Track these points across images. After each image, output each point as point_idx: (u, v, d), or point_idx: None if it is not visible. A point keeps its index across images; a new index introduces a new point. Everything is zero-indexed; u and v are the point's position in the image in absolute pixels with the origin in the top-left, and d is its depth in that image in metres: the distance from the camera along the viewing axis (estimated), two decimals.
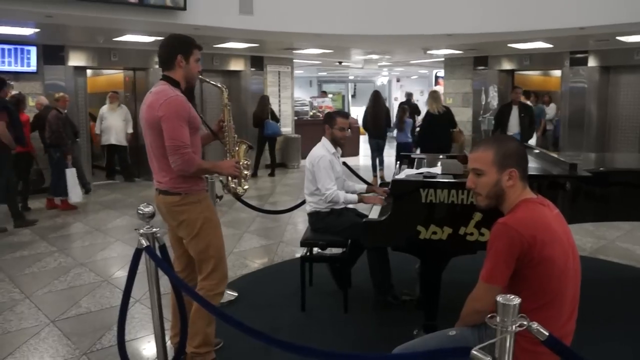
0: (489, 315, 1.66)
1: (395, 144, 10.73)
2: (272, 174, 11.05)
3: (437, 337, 2.27)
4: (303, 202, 4.51)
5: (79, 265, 5.36)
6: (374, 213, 3.74)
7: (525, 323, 1.63)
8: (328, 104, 16.03)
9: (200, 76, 3.24)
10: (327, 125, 4.24)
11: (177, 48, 3.06)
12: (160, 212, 3.09)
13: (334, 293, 4.31)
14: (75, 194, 7.85)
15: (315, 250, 4.20)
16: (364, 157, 14.21)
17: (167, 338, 3.12)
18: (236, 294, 4.42)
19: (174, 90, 2.97)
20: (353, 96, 24.16)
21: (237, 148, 3.36)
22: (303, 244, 4.11)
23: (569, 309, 2.10)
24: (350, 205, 4.19)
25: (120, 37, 8.52)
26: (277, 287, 4.69)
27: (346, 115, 4.40)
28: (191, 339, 3.10)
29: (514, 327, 1.62)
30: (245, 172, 3.38)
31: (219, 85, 3.45)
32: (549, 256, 2.00)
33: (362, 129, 11.45)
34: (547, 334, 1.68)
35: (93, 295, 4.56)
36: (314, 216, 4.16)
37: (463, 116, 11.82)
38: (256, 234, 6.53)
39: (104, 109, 10.31)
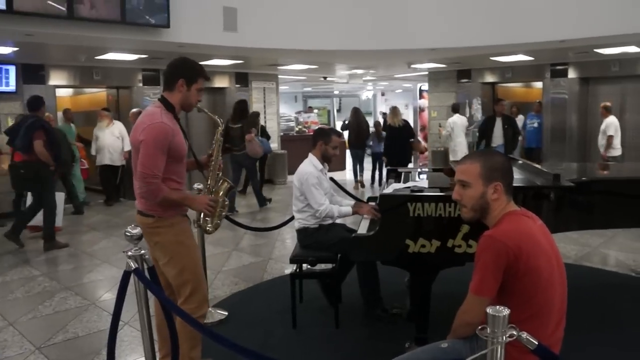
0: (479, 327, 1.68)
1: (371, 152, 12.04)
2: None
3: (429, 350, 2.28)
4: (291, 219, 4.50)
5: (64, 289, 5.26)
6: (362, 228, 3.74)
7: (515, 333, 1.66)
8: (314, 119, 16.09)
9: (198, 106, 3.19)
10: (322, 141, 4.24)
11: (181, 71, 3.03)
12: None
13: (325, 309, 4.29)
14: (59, 218, 7.77)
15: (305, 266, 4.18)
16: (350, 172, 14.20)
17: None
18: (226, 313, 4.39)
19: (163, 115, 2.92)
20: (338, 111, 24.29)
21: (219, 185, 3.28)
22: (292, 260, 4.10)
23: (556, 318, 2.14)
24: (339, 220, 4.19)
25: (103, 55, 8.49)
26: (267, 304, 4.66)
27: (340, 134, 4.44)
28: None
29: (504, 337, 1.65)
30: (221, 211, 3.26)
31: (216, 118, 3.40)
32: (534, 267, 2.04)
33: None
34: (536, 343, 1.72)
35: (80, 319, 4.47)
36: (302, 232, 4.15)
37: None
38: (245, 251, 6.50)
39: (96, 127, 9.84)
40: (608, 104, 9.22)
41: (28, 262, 6.30)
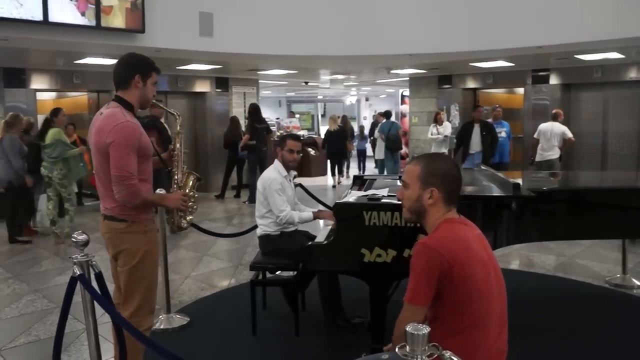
0: (398, 345, 1.65)
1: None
2: (237, 195, 11.00)
3: None
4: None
5: (32, 291, 5.25)
6: (321, 236, 3.74)
7: (435, 353, 1.62)
8: (296, 124, 16.08)
9: (154, 100, 3.13)
10: (279, 147, 4.25)
11: (136, 67, 2.93)
12: (103, 238, 3.01)
13: (287, 316, 4.26)
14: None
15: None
16: (331, 178, 14.23)
17: None
18: (188, 319, 4.37)
19: (125, 115, 2.83)
20: (323, 115, 24.21)
21: (184, 179, 3.24)
22: (252, 267, 4.09)
23: (496, 328, 2.12)
24: (301, 227, 4.18)
25: (81, 59, 8.48)
26: (230, 311, 4.64)
27: (297, 137, 4.40)
28: None
29: (424, 356, 1.60)
30: (192, 205, 3.25)
31: (172, 111, 3.37)
32: (469, 275, 2.02)
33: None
34: None
35: (44, 322, 4.46)
36: (264, 239, 4.14)
37: (428, 135, 11.92)
38: (215, 257, 6.48)
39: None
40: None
41: (1, 264, 6.28)
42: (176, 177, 3.22)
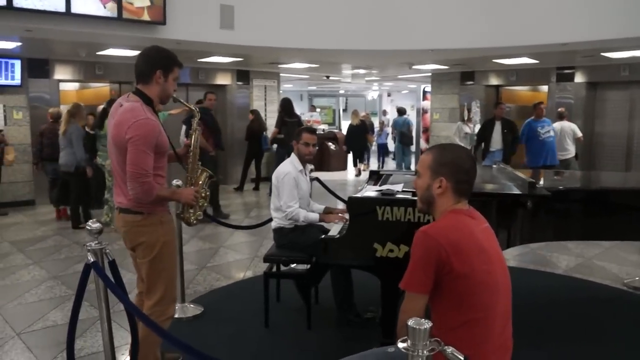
0: (399, 339, 1.64)
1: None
2: (256, 188, 11.05)
3: (374, 354, 2.27)
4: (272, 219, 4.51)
5: (52, 278, 5.35)
6: (334, 230, 3.74)
7: (437, 348, 1.61)
8: (316, 118, 16.06)
9: (174, 96, 3.13)
10: (294, 140, 4.25)
11: (157, 62, 2.92)
12: (119, 232, 3.04)
13: (300, 309, 4.28)
14: None
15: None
16: (352, 172, 14.30)
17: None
18: (202, 309, 4.42)
19: (145, 111, 2.82)
20: (344, 110, 24.16)
21: (198, 175, 3.23)
22: (266, 259, 4.11)
23: (501, 324, 2.10)
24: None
25: (103, 51, 8.57)
26: (244, 302, 4.68)
27: (313, 130, 4.37)
28: (142, 358, 3.05)
29: (425, 351, 1.60)
30: (203, 202, 3.25)
31: (192, 107, 3.37)
32: (470, 267, 2.00)
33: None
34: (462, 358, 1.66)
35: (62, 308, 4.54)
36: (278, 232, 4.16)
37: (450, 131, 11.81)
38: (232, 248, 6.52)
39: None
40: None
41: (22, 250, 6.41)
42: (188, 174, 3.22)
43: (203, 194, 3.22)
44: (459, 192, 2.19)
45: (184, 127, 7.51)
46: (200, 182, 3.23)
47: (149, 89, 2.93)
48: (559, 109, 9.34)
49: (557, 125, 8.98)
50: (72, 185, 7.53)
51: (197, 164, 3.23)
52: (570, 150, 8.97)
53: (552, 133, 8.65)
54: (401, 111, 13.95)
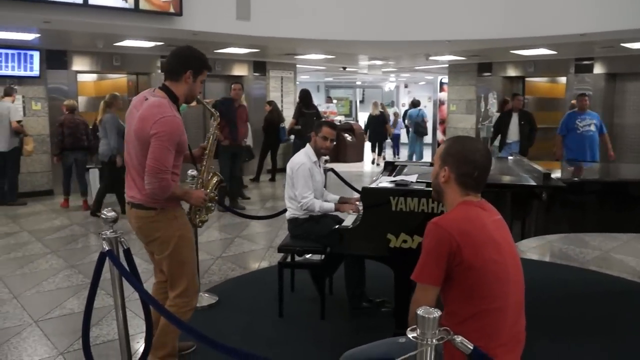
0: (409, 328, 1.64)
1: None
2: (272, 179, 11.09)
3: (386, 344, 2.28)
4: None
5: (69, 267, 5.42)
6: (348, 221, 3.74)
7: (446, 337, 1.61)
8: (333, 109, 16.04)
9: (198, 97, 3.16)
10: (314, 132, 4.25)
11: (189, 62, 2.95)
12: (131, 227, 3.05)
13: (314, 299, 4.28)
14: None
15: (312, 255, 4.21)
16: (368, 164, 14.31)
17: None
18: (217, 298, 4.45)
19: (171, 108, 2.85)
20: (361, 102, 24.10)
21: (209, 178, 3.27)
22: (280, 249, 4.13)
23: (513, 316, 2.09)
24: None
25: (120, 42, 8.62)
26: (258, 292, 4.70)
27: (334, 126, 4.35)
28: (158, 348, 3.08)
29: (434, 340, 1.60)
30: (210, 205, 3.27)
31: (213, 110, 3.39)
32: (481, 258, 2.00)
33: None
34: (471, 347, 1.66)
35: (78, 297, 4.60)
36: (292, 222, 4.18)
37: (467, 123, 11.76)
38: (247, 238, 6.56)
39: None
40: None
41: (40, 239, 6.49)
42: (202, 175, 3.25)
43: (212, 199, 3.25)
44: (464, 184, 2.17)
45: None
46: (212, 186, 3.27)
47: (176, 86, 2.95)
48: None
49: None
50: (104, 175, 7.69)
51: (211, 167, 3.27)
52: None
53: (592, 127, 7.97)
54: (415, 103, 14.60)
